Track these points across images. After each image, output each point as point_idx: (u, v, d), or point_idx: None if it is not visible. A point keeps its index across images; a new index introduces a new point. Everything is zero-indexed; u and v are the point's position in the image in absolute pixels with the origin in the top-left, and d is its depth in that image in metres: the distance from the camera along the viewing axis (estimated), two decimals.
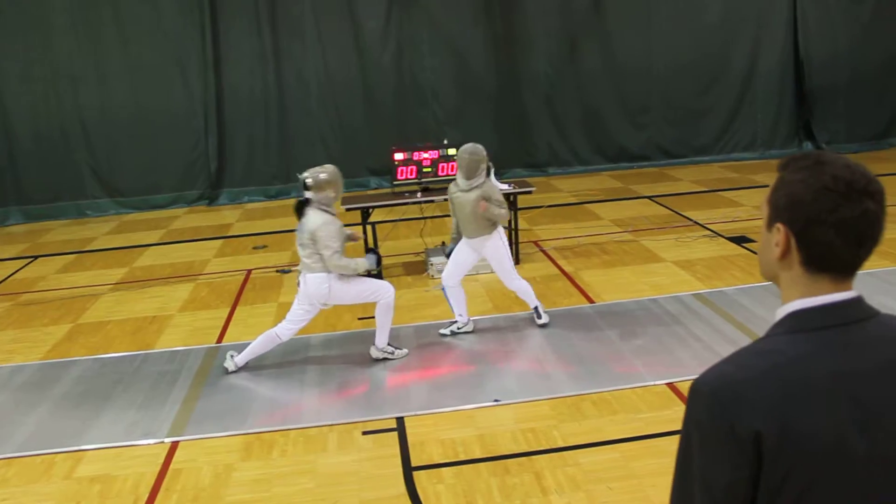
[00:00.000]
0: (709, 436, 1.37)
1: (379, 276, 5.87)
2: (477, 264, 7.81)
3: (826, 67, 13.49)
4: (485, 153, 6.09)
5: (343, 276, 5.63)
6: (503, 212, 6.02)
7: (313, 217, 5.50)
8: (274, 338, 5.83)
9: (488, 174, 6.15)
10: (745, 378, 1.36)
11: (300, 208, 5.58)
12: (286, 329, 5.80)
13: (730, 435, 1.34)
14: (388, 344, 6.02)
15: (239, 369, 5.95)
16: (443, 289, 6.38)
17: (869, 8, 13.46)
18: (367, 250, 5.86)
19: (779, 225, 1.43)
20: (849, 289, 1.42)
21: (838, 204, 1.35)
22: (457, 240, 6.44)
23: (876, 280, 6.84)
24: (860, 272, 1.44)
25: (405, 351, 6.07)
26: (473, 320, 6.61)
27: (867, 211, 1.36)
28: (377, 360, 5.96)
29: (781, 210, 1.42)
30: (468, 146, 6.12)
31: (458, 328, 6.43)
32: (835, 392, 1.34)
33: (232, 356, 5.94)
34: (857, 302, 1.42)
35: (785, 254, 1.43)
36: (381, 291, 5.81)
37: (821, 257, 1.40)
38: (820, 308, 1.40)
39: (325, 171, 5.59)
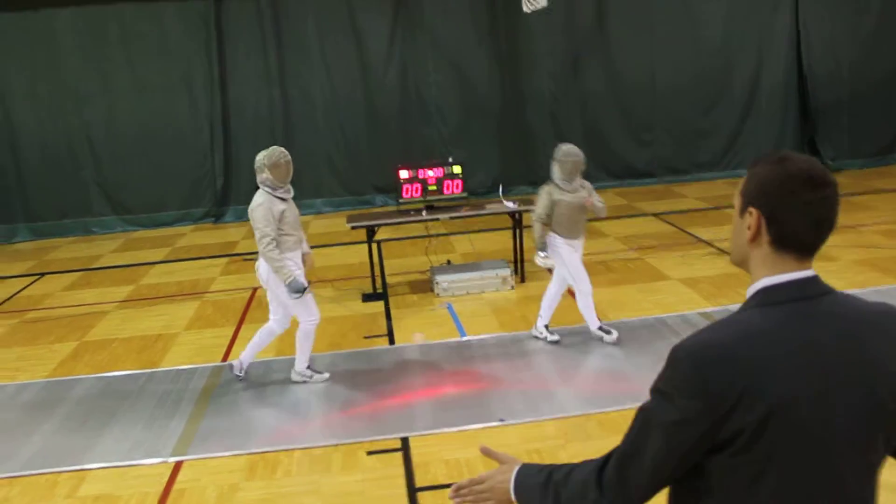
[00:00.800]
0: (684, 396, 1.52)
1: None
2: (482, 282, 7.86)
3: (830, 83, 13.50)
4: (582, 155, 6.26)
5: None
6: (604, 205, 6.32)
7: (255, 197, 5.57)
8: (270, 331, 5.87)
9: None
10: (720, 343, 1.53)
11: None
12: (274, 321, 5.84)
13: (705, 394, 1.50)
14: (308, 367, 5.98)
15: (244, 376, 6.00)
16: (448, 306, 6.37)
17: (871, 24, 13.46)
18: (303, 286, 5.63)
19: (751, 209, 1.64)
20: (809, 268, 1.62)
21: (802, 189, 1.57)
22: (545, 245, 6.28)
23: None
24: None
25: (325, 375, 6.00)
26: (479, 339, 6.60)
27: (826, 197, 1.58)
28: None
29: (753, 197, 1.64)
30: (569, 148, 6.20)
31: (551, 338, 6.47)
32: (800, 357, 1.52)
33: (233, 366, 6.02)
34: (816, 279, 1.62)
35: (756, 235, 1.64)
36: (307, 313, 5.76)
37: (786, 236, 1.60)
38: (786, 284, 1.60)
39: (263, 154, 5.62)
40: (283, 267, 5.51)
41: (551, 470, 1.77)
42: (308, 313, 5.77)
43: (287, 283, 5.53)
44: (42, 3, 11.79)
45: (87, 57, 12.11)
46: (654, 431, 1.58)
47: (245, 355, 6.00)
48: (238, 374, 6.02)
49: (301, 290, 5.57)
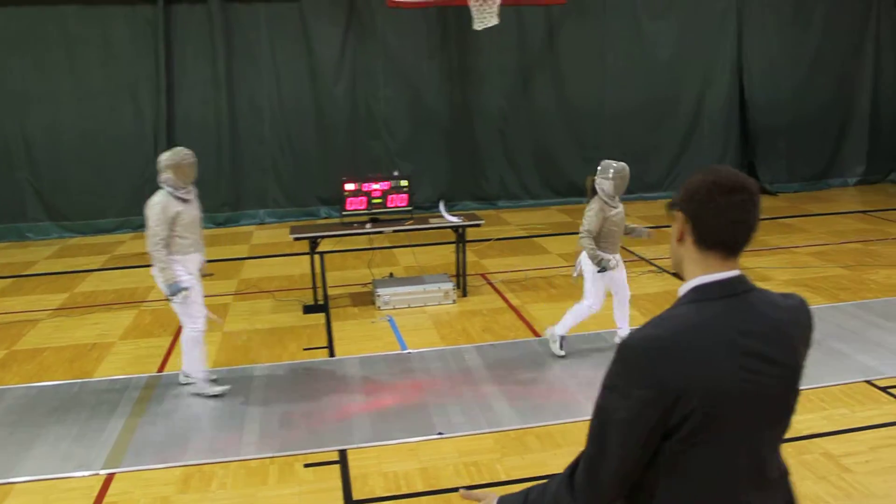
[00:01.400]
0: (636, 387, 1.68)
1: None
2: (424, 296, 7.87)
3: (769, 110, 13.94)
4: (627, 170, 6.24)
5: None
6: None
7: (154, 196, 5.54)
8: (194, 338, 5.79)
9: None
10: (663, 336, 1.70)
11: None
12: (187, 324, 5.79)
13: (655, 382, 1.66)
14: (204, 379, 5.92)
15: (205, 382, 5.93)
16: (390, 319, 6.36)
17: (810, 54, 13.97)
18: (180, 289, 5.57)
19: (677, 212, 1.83)
20: (735, 268, 1.80)
21: (720, 194, 1.74)
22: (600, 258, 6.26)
23: None
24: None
25: (225, 388, 5.94)
26: (420, 352, 6.61)
27: (742, 200, 1.75)
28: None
29: (681, 203, 1.82)
30: (621, 165, 6.20)
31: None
32: (732, 345, 1.70)
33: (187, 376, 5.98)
34: (742, 277, 1.80)
35: (681, 236, 1.83)
36: (190, 319, 5.74)
37: (707, 235, 1.78)
38: (715, 282, 1.77)
39: (167, 154, 5.58)
40: (166, 268, 5.50)
41: (528, 491, 1.92)
42: (191, 320, 5.73)
43: (167, 284, 5.51)
44: None
45: (26, 58, 11.79)
46: (613, 427, 1.72)
47: (192, 368, 5.90)
48: (182, 382, 5.94)
49: (177, 292, 5.53)
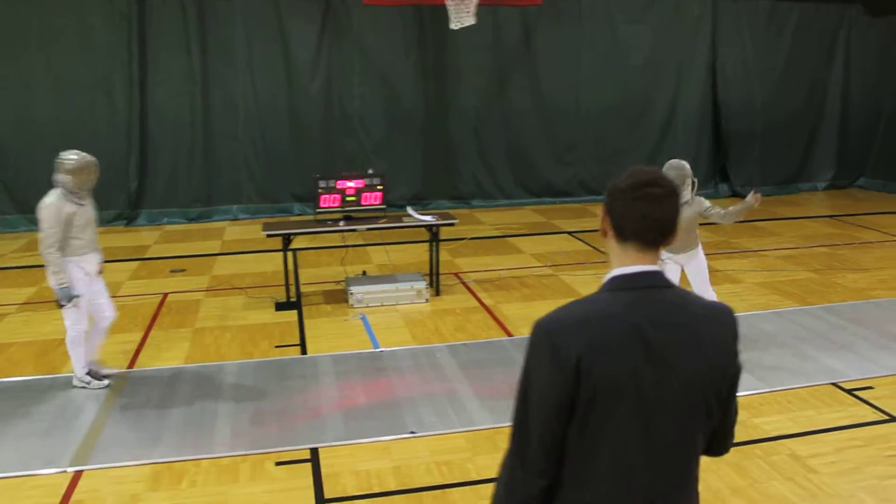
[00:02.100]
0: (542, 362, 1.80)
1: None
2: (396, 294, 7.87)
3: (742, 113, 14.14)
4: (689, 169, 6.09)
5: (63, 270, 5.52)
6: (721, 211, 6.21)
7: (48, 195, 5.48)
8: (76, 338, 5.78)
9: (693, 189, 6.14)
10: (571, 318, 1.82)
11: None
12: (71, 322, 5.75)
13: (556, 359, 1.77)
14: (88, 374, 5.95)
15: (95, 380, 5.92)
16: (362, 318, 6.36)
17: (782, 59, 14.20)
18: (71, 295, 5.56)
19: (601, 209, 1.96)
20: (653, 262, 1.90)
21: (632, 189, 1.86)
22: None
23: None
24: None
25: (105, 382, 5.97)
26: (392, 351, 6.61)
27: (649, 194, 1.85)
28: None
29: (606, 200, 1.94)
30: (673, 162, 6.08)
31: None
32: (635, 334, 1.79)
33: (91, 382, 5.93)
34: (658, 273, 1.89)
35: (604, 230, 1.95)
36: (74, 319, 5.71)
37: (621, 227, 1.89)
38: (632, 274, 1.88)
39: (74, 158, 5.52)
40: (58, 271, 5.46)
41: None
42: (74, 320, 5.71)
43: (59, 287, 5.47)
44: None
45: None
46: (528, 400, 1.84)
47: (79, 367, 5.89)
48: (77, 385, 5.92)
49: (69, 299, 5.50)
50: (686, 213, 6.08)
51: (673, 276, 6.29)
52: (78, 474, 4.74)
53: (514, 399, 1.89)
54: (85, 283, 5.66)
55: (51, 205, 5.42)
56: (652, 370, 1.79)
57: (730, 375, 1.89)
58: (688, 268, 6.36)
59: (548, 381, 1.79)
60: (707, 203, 6.22)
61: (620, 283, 1.88)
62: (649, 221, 1.86)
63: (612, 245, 1.94)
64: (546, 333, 1.81)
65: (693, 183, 6.16)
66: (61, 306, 5.58)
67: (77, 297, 5.57)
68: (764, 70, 14.17)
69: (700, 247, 6.37)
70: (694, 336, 1.84)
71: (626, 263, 1.90)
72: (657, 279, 1.89)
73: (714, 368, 1.85)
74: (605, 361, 1.76)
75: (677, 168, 6.12)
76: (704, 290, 6.37)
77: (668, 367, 1.80)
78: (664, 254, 6.30)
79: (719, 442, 2.01)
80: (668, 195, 1.87)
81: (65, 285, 5.48)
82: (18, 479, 4.71)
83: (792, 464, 4.70)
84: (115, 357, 6.64)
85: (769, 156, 14.43)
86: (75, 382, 5.95)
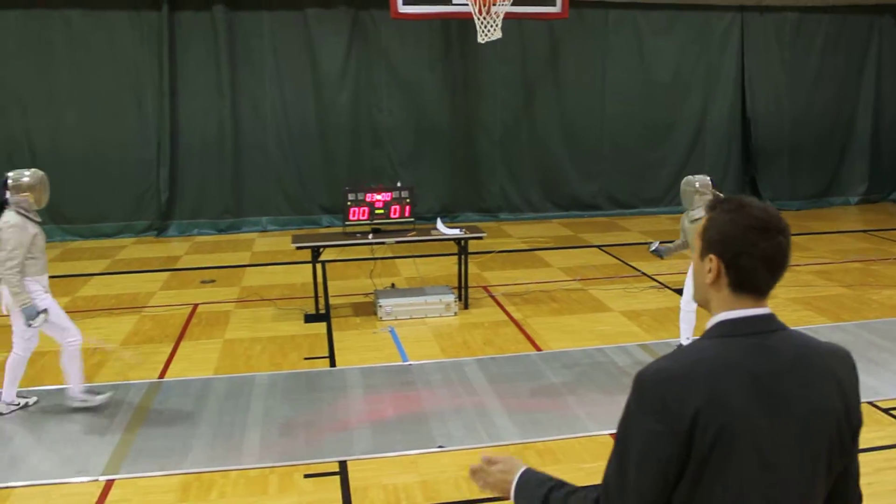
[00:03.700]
0: (649, 417, 1.63)
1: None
2: (425, 307, 7.87)
3: (772, 126, 14.03)
4: (698, 184, 6.23)
5: (31, 292, 5.43)
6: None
7: (5, 217, 5.37)
8: (18, 359, 5.68)
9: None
10: (679, 369, 1.66)
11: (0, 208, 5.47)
12: (18, 346, 5.65)
13: (666, 415, 1.61)
14: (87, 391, 5.87)
15: (17, 408, 5.78)
16: (391, 330, 6.35)
17: (812, 71, 14.07)
18: (37, 312, 5.44)
19: (711, 256, 1.74)
20: (765, 306, 1.74)
21: (758, 239, 1.68)
22: (671, 250, 6.78)
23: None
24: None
25: (107, 395, 5.90)
26: (421, 364, 6.61)
27: (780, 244, 1.71)
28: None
29: (714, 244, 1.74)
30: (686, 178, 6.35)
31: None
32: (750, 386, 1.63)
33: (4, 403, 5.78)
34: (771, 317, 1.74)
35: (716, 279, 1.75)
36: (64, 334, 5.65)
37: (744, 281, 1.71)
38: (742, 319, 1.71)
39: (28, 174, 5.50)
40: (21, 292, 5.36)
41: (552, 486, 1.87)
42: (65, 334, 5.66)
43: (22, 308, 5.39)
44: None
45: (32, 62, 11.84)
46: (630, 459, 1.67)
47: (6, 391, 5.76)
48: (4, 411, 5.76)
49: (34, 317, 5.41)
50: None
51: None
52: (109, 483, 4.78)
53: (610, 457, 1.73)
54: (47, 300, 5.56)
55: (16, 225, 5.32)
56: (773, 424, 1.64)
57: (854, 423, 1.74)
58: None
59: (653, 439, 1.62)
60: None
61: (731, 329, 1.72)
62: (777, 272, 1.72)
63: (723, 293, 1.75)
64: (654, 387, 1.65)
65: (714, 197, 6.15)
66: (30, 325, 5.43)
67: (45, 311, 5.46)
68: (793, 82, 14.04)
69: None
70: (818, 383, 1.70)
71: (736, 307, 1.73)
72: (772, 323, 1.73)
73: (838, 416, 1.70)
74: (724, 417, 1.60)
75: (684, 184, 6.33)
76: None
77: (789, 419, 1.65)
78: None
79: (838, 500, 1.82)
80: (790, 240, 1.73)
81: (27, 304, 5.37)
82: (51, 486, 4.76)
83: None
84: (146, 367, 6.69)
85: (799, 169, 14.28)
86: (74, 403, 5.78)
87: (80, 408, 5.79)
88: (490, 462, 2.04)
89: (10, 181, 5.43)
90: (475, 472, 2.06)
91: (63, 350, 5.72)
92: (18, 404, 5.82)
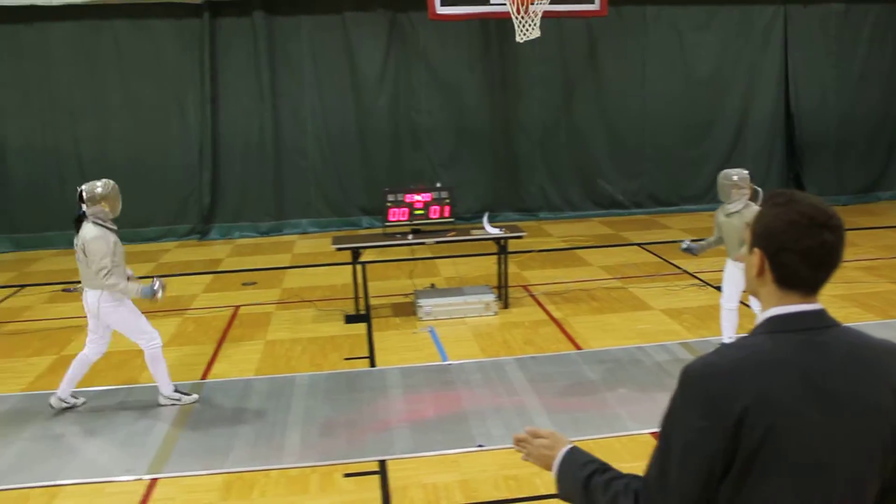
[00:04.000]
0: (694, 413, 1.61)
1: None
2: (465, 307, 7.86)
3: (816, 121, 13.74)
4: (736, 177, 6.18)
5: (114, 299, 5.59)
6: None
7: (86, 230, 5.53)
8: (85, 360, 5.84)
9: (755, 199, 6.16)
10: (727, 364, 1.63)
11: (77, 221, 5.63)
12: (90, 351, 5.83)
13: (713, 411, 1.58)
14: (175, 390, 5.99)
15: (67, 406, 5.92)
16: (431, 330, 6.35)
17: (858, 64, 13.75)
18: (153, 289, 5.68)
19: (756, 249, 1.73)
20: (815, 301, 1.71)
21: (802, 235, 1.64)
22: (704, 248, 6.72)
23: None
24: None
25: (194, 396, 6.02)
26: (461, 364, 6.61)
27: (825, 241, 1.65)
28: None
29: (759, 237, 1.72)
30: (723, 171, 6.33)
31: None
32: (801, 384, 1.60)
33: (58, 399, 5.92)
34: (822, 312, 1.70)
35: (761, 273, 1.73)
36: (146, 336, 5.78)
37: (788, 277, 1.69)
38: (792, 315, 1.68)
39: (101, 185, 5.64)
40: (124, 287, 5.52)
41: (594, 469, 1.84)
42: (148, 337, 5.79)
43: (143, 295, 5.57)
44: (35, 17, 11.80)
45: (79, 72, 12.12)
46: (674, 454, 1.64)
47: (63, 389, 5.91)
48: (55, 405, 5.90)
49: (153, 292, 5.61)
50: (736, 223, 6.12)
51: (740, 285, 6.23)
52: (153, 482, 4.86)
53: (653, 451, 1.70)
54: (128, 305, 5.73)
55: (99, 237, 5.48)
56: (824, 422, 1.60)
57: None
58: (732, 271, 6.37)
59: (698, 435, 1.60)
60: None
61: (780, 325, 1.68)
62: (823, 270, 1.68)
63: (769, 287, 1.73)
64: (701, 382, 1.63)
65: (754, 192, 6.08)
66: (158, 299, 5.68)
67: (158, 284, 5.67)
68: (839, 76, 13.74)
69: None
70: (871, 381, 1.65)
71: (786, 303, 1.70)
72: (823, 318, 1.69)
73: (892, 415, 1.64)
74: (773, 415, 1.57)
75: (722, 177, 6.27)
76: (736, 292, 6.32)
77: (841, 417, 1.61)
78: (727, 262, 6.38)
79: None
80: (842, 237, 1.67)
81: (140, 291, 5.57)
82: (97, 484, 4.86)
83: None
84: (189, 369, 6.79)
85: (846, 164, 13.97)
86: (163, 401, 5.98)
87: (165, 405, 5.97)
88: (535, 435, 2.03)
89: (84, 194, 5.61)
90: (519, 441, 2.05)
91: (145, 353, 5.86)
92: (68, 404, 5.96)
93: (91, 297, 5.63)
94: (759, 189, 6.08)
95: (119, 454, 5.25)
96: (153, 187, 12.45)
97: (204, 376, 6.63)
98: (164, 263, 11.07)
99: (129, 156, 12.30)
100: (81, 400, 6.06)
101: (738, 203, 6.15)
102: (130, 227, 12.45)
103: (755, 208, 6.04)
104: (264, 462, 5.06)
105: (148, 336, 5.82)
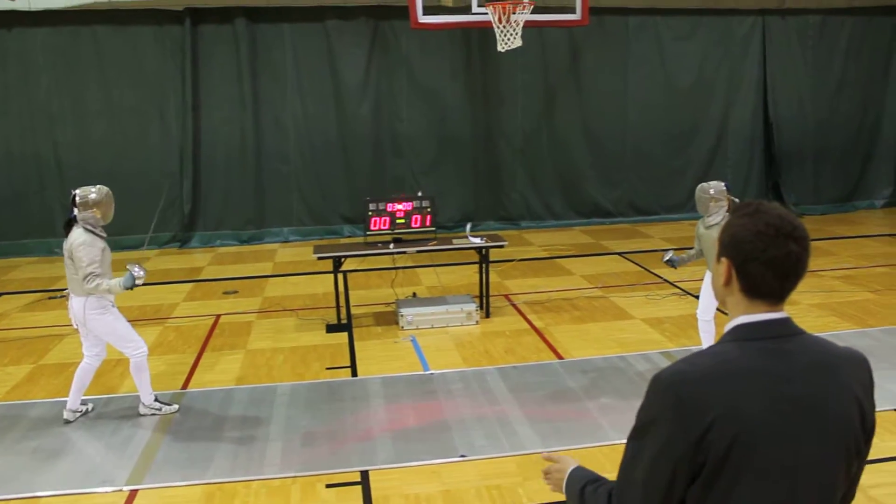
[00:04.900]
0: (664, 419, 1.65)
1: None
2: (446, 317, 7.87)
3: (795, 131, 13.90)
4: (712, 191, 6.22)
5: (100, 307, 5.58)
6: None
7: (76, 235, 5.52)
8: (88, 368, 5.82)
9: (727, 209, 6.24)
10: (696, 372, 1.66)
11: (67, 225, 5.62)
12: (90, 360, 5.80)
13: (681, 418, 1.62)
14: (156, 400, 5.97)
15: (79, 415, 5.91)
16: (412, 340, 6.35)
17: (835, 74, 13.93)
18: (133, 276, 5.58)
19: (723, 259, 1.76)
20: (781, 310, 1.74)
21: (768, 245, 1.67)
22: (685, 260, 6.72)
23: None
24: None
25: (175, 406, 6.00)
26: (442, 373, 6.60)
27: (791, 252, 1.68)
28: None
29: (727, 247, 1.75)
30: (701, 185, 6.36)
31: None
32: (767, 390, 1.64)
33: (70, 411, 5.90)
34: (787, 321, 1.74)
35: (728, 282, 1.76)
36: (132, 345, 5.76)
37: (755, 286, 1.71)
38: (759, 323, 1.72)
39: (95, 191, 5.63)
40: (108, 286, 5.48)
41: (587, 482, 1.95)
42: (134, 346, 5.77)
43: (122, 286, 5.48)
44: (15, 22, 11.70)
45: (59, 77, 12.01)
46: (641, 460, 1.69)
47: (71, 400, 5.88)
48: (70, 418, 5.88)
49: (132, 280, 5.50)
50: (716, 235, 6.05)
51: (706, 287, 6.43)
52: (133, 493, 4.82)
53: (624, 453, 1.75)
54: (114, 313, 5.71)
55: (86, 242, 5.46)
56: (789, 428, 1.63)
57: (868, 428, 1.74)
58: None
59: (669, 441, 1.63)
60: None
61: (747, 333, 1.72)
62: (789, 280, 1.71)
63: (736, 297, 1.76)
64: (671, 390, 1.65)
65: (731, 203, 6.18)
66: (136, 285, 5.57)
67: (139, 271, 5.57)
68: (816, 86, 13.91)
69: None
70: (835, 388, 1.69)
71: (753, 311, 1.73)
72: (788, 326, 1.74)
73: (854, 420, 1.70)
74: (741, 421, 1.60)
75: (699, 190, 6.31)
76: (712, 304, 6.35)
77: (806, 423, 1.65)
78: (706, 273, 6.43)
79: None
80: (807, 248, 1.71)
81: (121, 284, 5.50)
82: (76, 496, 4.81)
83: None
84: (170, 378, 6.74)
85: (823, 173, 14.14)
86: (143, 411, 5.94)
87: (146, 414, 5.93)
88: (549, 460, 2.13)
89: (77, 198, 5.59)
90: (546, 475, 2.12)
91: (130, 361, 5.83)
92: (81, 411, 5.96)
93: (77, 304, 5.60)
94: (737, 200, 6.13)
95: (97, 465, 5.20)
96: (133, 195, 12.29)
97: (185, 386, 6.58)
98: None
99: (110, 163, 12.20)
100: (91, 406, 6.05)
101: (717, 216, 6.21)
102: (110, 235, 12.21)
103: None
104: (245, 473, 5.03)
105: (134, 345, 5.78)
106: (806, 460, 1.65)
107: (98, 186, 5.71)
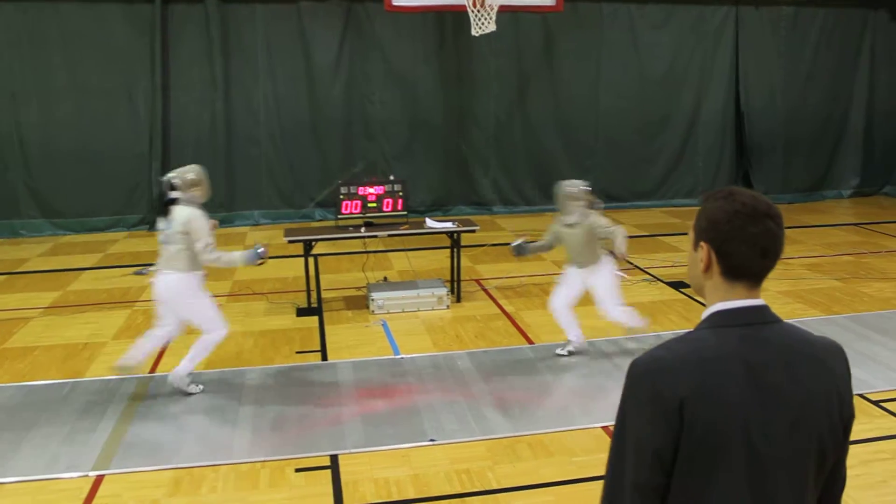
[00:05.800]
0: (642, 405, 1.67)
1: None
2: (417, 301, 7.86)
3: (765, 121, 14.02)
4: (573, 190, 6.30)
5: (198, 286, 5.67)
6: (620, 240, 6.20)
7: (183, 211, 5.58)
8: (161, 338, 5.93)
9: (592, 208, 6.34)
10: (672, 358, 1.68)
11: (166, 207, 5.69)
12: (163, 331, 5.87)
13: (659, 403, 1.64)
14: (191, 382, 6.00)
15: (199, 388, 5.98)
16: (383, 324, 6.35)
17: (806, 66, 14.06)
18: (256, 252, 5.81)
19: (702, 243, 1.77)
20: (758, 297, 1.76)
21: (746, 223, 1.70)
22: (534, 250, 6.77)
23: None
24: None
25: (201, 387, 6.01)
26: (413, 357, 6.60)
27: (769, 229, 1.71)
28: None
29: (704, 231, 1.76)
30: (561, 182, 6.43)
31: (574, 349, 6.60)
32: (742, 377, 1.65)
33: (189, 385, 5.94)
34: (764, 308, 1.75)
35: (708, 267, 1.77)
36: (214, 325, 5.82)
37: (735, 267, 1.73)
38: (736, 310, 1.73)
39: (191, 171, 5.71)
40: (229, 258, 5.68)
41: None
42: (216, 325, 5.83)
43: (247, 260, 5.71)
44: None
45: (22, 55, 11.75)
46: (626, 447, 1.70)
47: (184, 366, 5.92)
48: (195, 391, 5.95)
49: (256, 256, 5.75)
50: (578, 232, 6.31)
51: (573, 290, 6.52)
52: (100, 479, 4.77)
53: (611, 444, 1.77)
54: (202, 294, 5.77)
55: (200, 216, 5.57)
56: (764, 415, 1.65)
57: (846, 416, 1.76)
58: (593, 281, 6.47)
59: (648, 427, 1.66)
60: (602, 221, 6.27)
61: (724, 319, 1.73)
62: (769, 257, 1.72)
63: (715, 281, 1.77)
64: (646, 375, 1.68)
65: (591, 203, 6.34)
66: (262, 262, 5.80)
67: (263, 251, 5.74)
68: (787, 77, 14.04)
69: (606, 261, 6.45)
70: (811, 376, 1.71)
71: (730, 298, 1.74)
72: (765, 314, 1.74)
73: (831, 409, 1.72)
74: (714, 407, 1.62)
75: (558, 188, 6.42)
76: (611, 305, 6.47)
77: (781, 411, 1.66)
78: (568, 267, 6.54)
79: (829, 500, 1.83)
80: (782, 226, 1.74)
81: (243, 257, 5.68)
82: (42, 482, 4.75)
83: None
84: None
85: (793, 163, 14.30)
86: (173, 380, 5.91)
87: (175, 386, 5.93)
88: None
89: (176, 181, 5.63)
90: None
91: (203, 336, 5.84)
92: (187, 385, 5.97)
93: (172, 281, 5.60)
94: (599, 201, 6.49)
95: (63, 450, 5.13)
96: (101, 176, 12.16)
97: (152, 370, 6.51)
98: (111, 254, 10.84)
99: (76, 143, 12.01)
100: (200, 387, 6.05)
101: (576, 214, 6.30)
102: (77, 217, 12.21)
103: (595, 216, 6.29)
104: (213, 457, 5.00)
105: (216, 325, 5.82)
106: (780, 448, 1.66)
107: (191, 166, 5.78)
